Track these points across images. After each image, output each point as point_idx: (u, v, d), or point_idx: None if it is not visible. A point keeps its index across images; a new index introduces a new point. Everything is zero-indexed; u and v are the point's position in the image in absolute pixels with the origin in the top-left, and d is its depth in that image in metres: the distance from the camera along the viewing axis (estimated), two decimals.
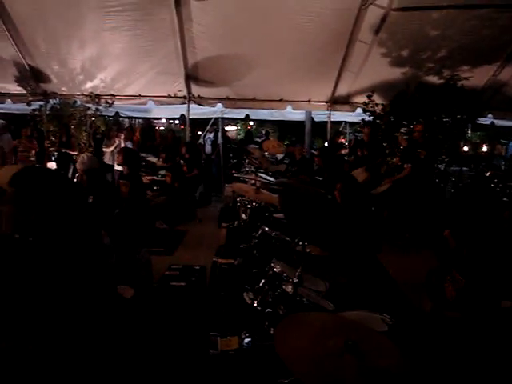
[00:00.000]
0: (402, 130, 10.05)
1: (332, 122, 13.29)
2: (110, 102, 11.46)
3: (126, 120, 18.26)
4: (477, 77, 10.67)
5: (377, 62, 10.29)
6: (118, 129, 12.74)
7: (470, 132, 11.82)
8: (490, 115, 12.39)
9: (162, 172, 10.21)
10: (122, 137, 12.26)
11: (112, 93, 11.50)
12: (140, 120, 18.62)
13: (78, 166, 6.88)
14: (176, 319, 4.21)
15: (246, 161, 9.71)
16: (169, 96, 11.66)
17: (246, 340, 3.08)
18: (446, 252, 3.88)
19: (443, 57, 10.27)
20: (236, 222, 6.26)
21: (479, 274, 3.49)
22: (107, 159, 12.03)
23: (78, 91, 11.41)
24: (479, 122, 11.43)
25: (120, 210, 6.41)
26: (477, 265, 3.53)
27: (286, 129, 20.37)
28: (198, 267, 5.40)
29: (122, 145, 11.89)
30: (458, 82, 10.26)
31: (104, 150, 12.08)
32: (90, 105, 11.46)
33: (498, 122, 13.26)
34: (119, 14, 9.13)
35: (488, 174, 10.19)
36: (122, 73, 11.05)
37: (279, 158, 13.21)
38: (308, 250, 3.66)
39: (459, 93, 10.15)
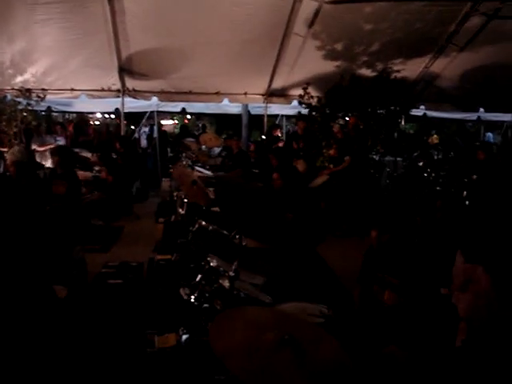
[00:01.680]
0: (337, 122, 10.17)
1: (269, 115, 13.36)
2: (41, 96, 11.09)
3: (59, 115, 17.78)
4: (409, 69, 10.95)
5: (312, 54, 10.39)
6: (48, 126, 12.30)
7: (403, 123, 12.07)
8: (422, 106, 12.73)
9: (97, 168, 9.98)
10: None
11: (43, 87, 11.12)
12: (74, 114, 18.16)
13: (7, 156, 6.69)
14: (112, 317, 4.12)
15: (183, 155, 9.61)
16: (102, 89, 11.41)
17: (184, 336, 3.03)
18: (371, 257, 3.91)
19: (376, 50, 10.47)
20: (173, 217, 6.18)
21: (413, 270, 3.53)
22: (38, 157, 11.63)
23: (8, 86, 11.00)
24: (412, 113, 11.71)
25: (51, 207, 6.24)
26: (408, 262, 3.57)
27: (224, 122, 20.32)
28: (135, 264, 5.32)
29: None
30: (390, 74, 10.48)
31: (36, 148, 11.68)
32: (20, 99, 11.06)
33: (431, 113, 13.63)
34: (49, 5, 8.80)
35: (421, 163, 10.43)
36: (54, 66, 10.70)
37: (217, 151, 13.16)
38: (244, 243, 3.63)
39: (392, 85, 10.37)
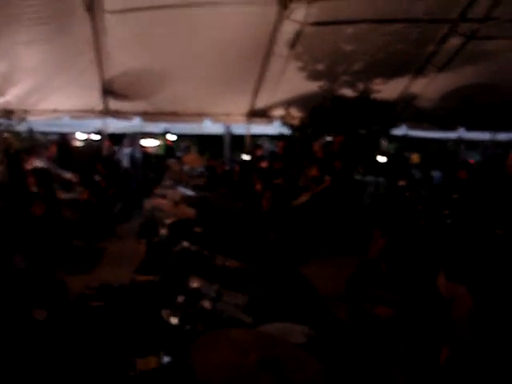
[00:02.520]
0: (320, 141, 10.23)
1: (251, 136, 13.40)
2: (23, 117, 11.04)
3: (42, 136, 17.66)
4: (390, 90, 11.08)
5: (293, 75, 10.49)
6: (29, 148, 12.18)
7: (385, 143, 12.19)
8: (403, 126, 12.84)
9: (78, 189, 9.92)
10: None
11: (26, 108, 11.10)
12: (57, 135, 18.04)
13: None
14: (93, 340, 4.07)
15: (166, 175, 9.60)
16: (85, 110, 11.40)
17: (166, 359, 3.00)
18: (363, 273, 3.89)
19: (357, 70, 10.61)
20: (156, 238, 6.14)
21: (409, 284, 3.53)
22: None
23: None
24: (393, 133, 11.82)
25: (31, 229, 6.17)
26: (404, 277, 3.57)
27: (206, 142, 20.32)
28: (117, 285, 5.27)
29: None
30: (371, 94, 10.59)
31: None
32: (1, 120, 10.99)
33: (411, 133, 13.75)
34: (32, 27, 8.79)
35: (402, 183, 10.49)
36: (36, 87, 10.68)
37: (199, 171, 13.13)
38: (226, 264, 3.62)
39: (373, 105, 10.49)
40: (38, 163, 11.43)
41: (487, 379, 3.54)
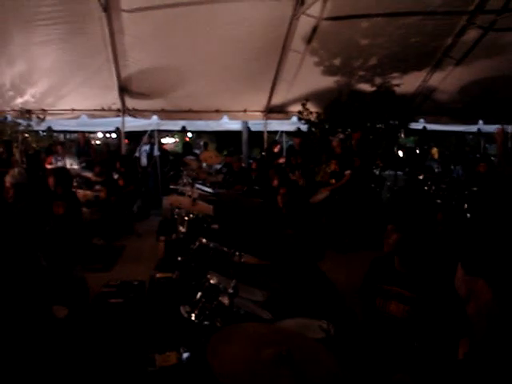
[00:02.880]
0: (340, 136, 10.18)
1: (268, 132, 13.39)
2: (41, 117, 11.16)
3: (61, 135, 17.83)
4: (407, 83, 10.99)
5: (310, 70, 10.45)
6: (50, 145, 12.26)
7: (403, 136, 12.11)
8: (421, 120, 12.75)
9: (98, 187, 10.00)
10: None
11: (44, 107, 11.22)
12: (75, 134, 18.20)
13: (6, 179, 6.70)
14: (113, 336, 4.11)
15: (184, 173, 9.61)
16: (102, 109, 11.48)
17: (185, 355, 3.03)
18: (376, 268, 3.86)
19: (374, 65, 10.55)
20: (174, 235, 6.18)
21: (424, 280, 3.50)
22: None
23: (8, 107, 11.07)
24: (411, 126, 11.75)
25: (51, 227, 6.23)
26: (418, 272, 3.54)
27: (224, 139, 20.34)
28: (136, 282, 5.31)
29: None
30: (389, 88, 10.53)
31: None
32: (20, 120, 11.13)
33: (430, 127, 13.64)
34: (48, 27, 8.90)
35: (421, 177, 10.42)
36: (54, 87, 10.80)
37: (217, 168, 13.15)
38: (243, 260, 3.63)
39: (391, 99, 10.43)
40: (57, 163, 11.58)
41: (507, 374, 3.50)
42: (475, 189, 8.67)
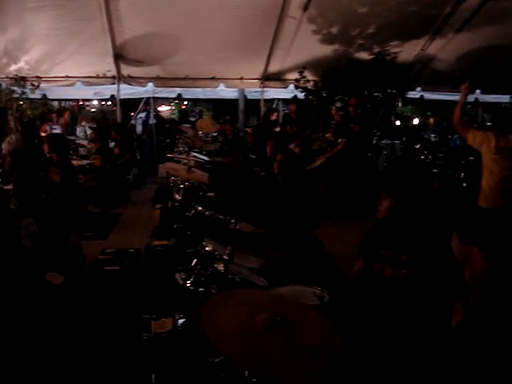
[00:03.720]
0: (337, 105, 10.12)
1: (265, 100, 13.31)
2: (35, 84, 11.04)
3: (56, 102, 17.72)
4: (406, 52, 10.90)
5: (307, 38, 10.33)
6: (43, 113, 12.23)
7: (400, 105, 12.07)
8: (419, 89, 12.67)
9: (93, 156, 9.97)
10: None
11: (38, 75, 11.08)
12: (70, 102, 18.07)
13: (3, 146, 6.68)
14: (109, 303, 4.14)
15: (180, 140, 9.58)
16: (97, 76, 11.36)
17: (180, 321, 3.04)
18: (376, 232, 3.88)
19: (372, 33, 10.42)
20: (170, 203, 6.19)
21: (422, 246, 3.52)
22: None
23: (2, 74, 10.94)
24: (409, 95, 11.69)
25: (47, 195, 6.23)
26: (415, 238, 3.56)
27: (221, 107, 20.21)
28: (132, 250, 5.34)
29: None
30: (386, 57, 10.45)
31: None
32: (15, 88, 11.01)
33: (428, 96, 13.56)
34: None
35: (418, 146, 10.43)
36: (48, 54, 10.63)
37: (214, 136, 13.11)
38: (238, 227, 3.64)
39: (389, 68, 10.36)
40: (51, 130, 11.53)
41: (501, 341, 3.54)
42: (472, 158, 8.67)
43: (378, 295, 3.53)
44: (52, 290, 4.03)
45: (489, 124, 15.84)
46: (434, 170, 9.14)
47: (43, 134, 11.16)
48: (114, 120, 13.10)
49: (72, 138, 10.89)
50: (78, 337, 3.69)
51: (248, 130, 12.47)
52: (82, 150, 10.73)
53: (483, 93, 13.41)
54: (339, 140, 9.34)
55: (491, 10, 9.58)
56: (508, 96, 14.36)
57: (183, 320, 3.03)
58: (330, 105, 10.38)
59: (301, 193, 6.08)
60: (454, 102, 16.73)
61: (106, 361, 3.47)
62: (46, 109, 12.20)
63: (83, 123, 13.11)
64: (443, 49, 11.04)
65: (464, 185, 8.06)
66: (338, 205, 9.14)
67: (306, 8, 9.53)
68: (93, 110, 18.64)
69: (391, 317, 3.31)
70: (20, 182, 5.87)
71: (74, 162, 8.51)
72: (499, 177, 5.70)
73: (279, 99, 15.85)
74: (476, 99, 14.39)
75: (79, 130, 13.13)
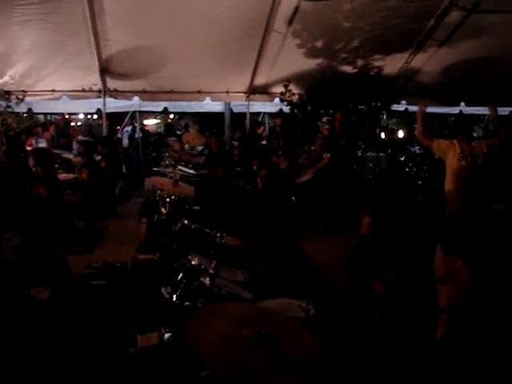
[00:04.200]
0: (324, 120, 10.18)
1: (251, 113, 13.37)
2: (20, 97, 11.01)
3: (41, 116, 17.67)
4: (390, 65, 11.01)
5: (292, 52, 10.42)
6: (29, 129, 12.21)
7: (385, 118, 12.15)
8: (403, 101, 12.78)
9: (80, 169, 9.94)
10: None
11: (23, 89, 11.05)
12: (56, 116, 18.04)
13: None
14: (95, 318, 4.12)
15: (166, 154, 9.58)
16: (83, 90, 11.36)
17: (166, 335, 3.05)
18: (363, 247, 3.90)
19: (356, 46, 10.53)
20: (156, 216, 6.18)
21: (406, 260, 3.54)
22: None
23: None
24: (394, 108, 11.79)
25: (32, 209, 6.21)
26: (402, 254, 3.58)
27: (207, 121, 20.29)
28: (118, 264, 5.31)
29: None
30: (371, 70, 10.55)
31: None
32: (0, 102, 10.97)
33: (412, 108, 13.67)
34: (27, 6, 8.67)
35: (402, 158, 10.50)
36: (34, 68, 10.60)
37: (200, 150, 13.13)
38: (224, 241, 3.65)
39: (373, 81, 10.44)
40: (37, 144, 11.49)
41: (485, 351, 3.57)
42: None
43: (366, 309, 3.54)
44: (38, 304, 4.01)
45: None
46: (419, 182, 9.21)
47: (28, 148, 11.13)
48: (100, 134, 13.07)
49: (58, 151, 10.83)
50: (65, 352, 3.67)
51: (234, 143, 12.50)
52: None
53: (467, 105, 13.54)
54: (324, 155, 9.38)
55: (473, 24, 9.73)
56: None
57: (169, 334, 3.04)
58: (316, 120, 10.43)
59: (284, 207, 6.10)
60: (438, 115, 17.02)
61: (93, 376, 3.45)
62: (31, 122, 12.17)
63: (79, 137, 13.06)
64: (427, 62, 11.18)
65: None
66: (325, 217, 9.17)
67: (290, 22, 9.60)
68: (79, 123, 18.61)
69: (378, 331, 3.33)
70: (3, 197, 5.84)
71: (60, 176, 8.48)
72: (464, 182, 6.09)
73: (265, 112, 15.92)
74: (460, 111, 14.54)
75: (75, 145, 13.04)
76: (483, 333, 3.76)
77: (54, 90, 11.27)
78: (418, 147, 13.28)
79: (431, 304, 3.51)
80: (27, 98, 11.23)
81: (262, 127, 13.45)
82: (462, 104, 13.48)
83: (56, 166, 9.58)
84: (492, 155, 6.19)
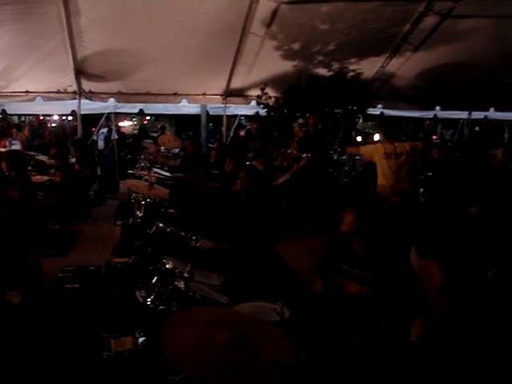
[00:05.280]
0: (300, 121, 10.21)
1: (228, 116, 13.36)
2: None
3: (15, 117, 17.47)
4: (366, 69, 11.08)
5: (269, 54, 10.42)
6: (2, 128, 12.08)
7: (361, 121, 12.23)
8: (379, 105, 12.89)
9: (53, 171, 9.84)
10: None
11: None
12: (30, 117, 17.84)
13: None
14: (69, 322, 4.07)
15: (141, 156, 9.52)
16: (58, 92, 11.24)
17: (141, 339, 3.02)
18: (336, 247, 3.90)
19: (333, 50, 10.57)
20: (131, 219, 6.13)
21: (383, 261, 3.54)
22: None
23: None
24: (370, 112, 11.87)
25: (4, 212, 6.12)
26: (378, 255, 3.59)
27: (183, 123, 20.22)
28: (92, 268, 5.26)
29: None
30: (347, 73, 10.62)
31: None
32: None
33: (388, 112, 13.79)
34: (1, 7, 8.55)
35: None
36: (8, 69, 10.43)
37: (175, 152, 13.07)
38: (198, 245, 3.63)
39: (349, 84, 10.50)
40: (11, 146, 11.34)
41: (459, 353, 3.60)
42: (430, 174, 8.85)
43: (339, 310, 3.55)
44: (10, 308, 3.95)
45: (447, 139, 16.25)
46: None
47: (2, 150, 10.97)
48: (74, 135, 12.95)
49: (32, 153, 10.70)
50: (37, 356, 3.62)
51: (211, 145, 12.48)
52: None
53: (442, 109, 13.69)
54: (303, 155, 9.40)
55: (447, 29, 9.84)
56: (466, 112, 14.73)
57: (143, 338, 3.01)
58: (292, 123, 10.47)
59: (263, 209, 6.09)
60: (412, 118, 17.17)
61: (66, 380, 3.41)
62: (5, 124, 12.03)
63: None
64: (402, 66, 11.27)
65: (422, 200, 8.19)
66: (301, 220, 9.20)
67: (269, 25, 9.59)
68: (53, 124, 18.40)
69: (352, 333, 3.33)
70: None
71: (34, 178, 8.38)
72: (390, 177, 7.38)
73: (241, 115, 15.93)
74: (435, 115, 14.72)
75: None
76: (458, 336, 3.79)
77: (28, 92, 11.12)
78: None
79: (414, 303, 3.53)
80: (0, 100, 11.08)
81: (244, 130, 13.47)
82: (437, 108, 13.62)
83: (29, 168, 9.45)
84: (415, 154, 7.66)
